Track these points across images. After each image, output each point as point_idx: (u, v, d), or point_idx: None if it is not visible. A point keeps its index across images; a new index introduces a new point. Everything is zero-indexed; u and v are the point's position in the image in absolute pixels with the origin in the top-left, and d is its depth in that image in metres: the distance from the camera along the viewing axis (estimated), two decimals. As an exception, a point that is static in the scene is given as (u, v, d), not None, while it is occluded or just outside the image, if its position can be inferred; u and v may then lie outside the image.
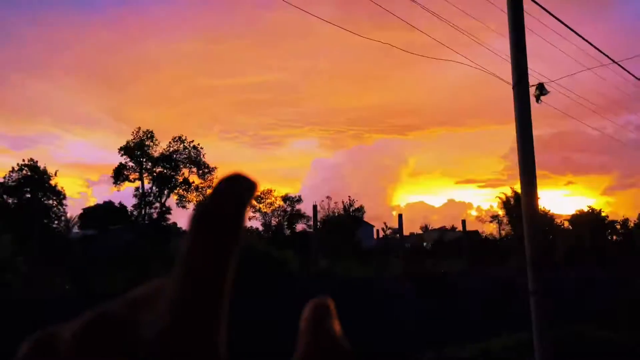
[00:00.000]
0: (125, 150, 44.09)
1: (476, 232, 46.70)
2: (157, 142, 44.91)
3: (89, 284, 13.09)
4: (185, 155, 45.57)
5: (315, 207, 12.54)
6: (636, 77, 12.87)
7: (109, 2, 73.99)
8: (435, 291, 11.21)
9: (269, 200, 49.79)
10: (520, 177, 8.12)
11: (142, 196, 44.28)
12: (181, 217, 46.37)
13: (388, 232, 47.42)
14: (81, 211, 46.62)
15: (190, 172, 46.04)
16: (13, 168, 39.07)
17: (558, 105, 12.66)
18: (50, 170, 40.06)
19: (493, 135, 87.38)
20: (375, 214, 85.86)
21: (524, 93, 8.32)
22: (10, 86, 66.41)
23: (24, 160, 39.53)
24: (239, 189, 0.31)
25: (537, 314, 7.56)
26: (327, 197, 43.51)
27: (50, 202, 39.27)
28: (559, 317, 8.98)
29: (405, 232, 51.97)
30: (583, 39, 10.55)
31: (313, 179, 74.69)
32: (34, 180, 38.47)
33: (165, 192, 44.84)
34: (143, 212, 44.19)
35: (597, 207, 52.81)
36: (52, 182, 39.80)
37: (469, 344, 9.65)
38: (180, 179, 45.47)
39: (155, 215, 44.30)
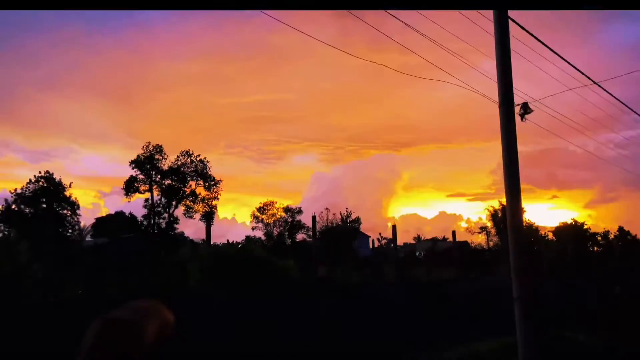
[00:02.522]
0: (136, 163, 44.27)
1: (466, 242, 46.57)
2: (166, 156, 45.14)
3: (101, 289, 13.13)
4: (192, 169, 45.74)
5: (314, 218, 12.62)
6: (616, 98, 13.06)
7: (123, 25, 74.74)
8: (427, 297, 11.27)
9: (271, 212, 49.83)
10: (505, 192, 8.20)
11: (151, 207, 44.34)
12: (188, 227, 46.47)
13: (383, 242, 47.40)
14: (94, 221, 46.72)
15: (197, 184, 46.20)
16: (30, 180, 39.15)
17: (543, 124, 12.84)
18: (65, 182, 40.17)
19: (481, 152, 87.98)
20: (371, 225, 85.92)
21: (509, 112, 8.44)
22: (29, 103, 66.82)
23: (40, 173, 39.64)
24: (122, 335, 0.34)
25: (521, 318, 7.62)
26: (326, 209, 43.58)
27: (65, 212, 39.29)
28: (542, 322, 9.04)
29: (399, 242, 51.60)
30: (566, 61, 10.74)
31: (313, 191, 74.77)
32: (50, 191, 38.52)
33: (173, 203, 44.92)
34: (152, 222, 44.21)
35: (579, 220, 53.01)
36: (67, 193, 39.86)
37: (458, 346, 9.70)
38: (188, 190, 45.59)
39: (163, 225, 44.31)
